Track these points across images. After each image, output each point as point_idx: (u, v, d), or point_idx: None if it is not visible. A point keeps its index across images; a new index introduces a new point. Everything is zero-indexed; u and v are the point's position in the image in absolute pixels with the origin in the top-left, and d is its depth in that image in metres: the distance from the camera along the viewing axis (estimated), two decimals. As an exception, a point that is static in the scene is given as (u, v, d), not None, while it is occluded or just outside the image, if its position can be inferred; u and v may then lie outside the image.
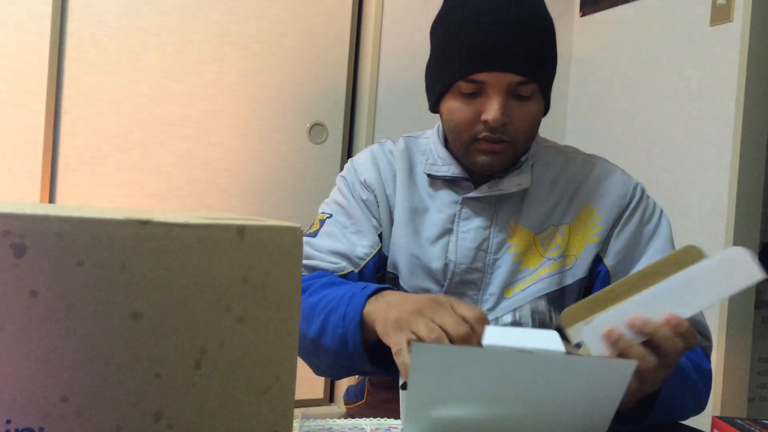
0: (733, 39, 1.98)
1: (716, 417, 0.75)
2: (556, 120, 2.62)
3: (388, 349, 0.81)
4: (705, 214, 2.03)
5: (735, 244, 1.94)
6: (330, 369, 0.94)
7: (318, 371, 0.98)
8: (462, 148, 0.98)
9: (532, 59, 0.92)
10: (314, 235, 1.03)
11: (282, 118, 2.21)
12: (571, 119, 2.62)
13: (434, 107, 1.02)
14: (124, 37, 1.99)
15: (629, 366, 0.62)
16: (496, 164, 0.96)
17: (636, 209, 1.01)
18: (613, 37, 2.43)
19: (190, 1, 2.07)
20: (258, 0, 2.15)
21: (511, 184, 0.98)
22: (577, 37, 2.60)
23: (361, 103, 2.31)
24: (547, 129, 2.50)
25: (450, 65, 0.95)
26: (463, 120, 0.95)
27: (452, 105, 0.97)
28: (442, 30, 0.96)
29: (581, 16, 2.57)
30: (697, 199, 2.07)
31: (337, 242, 1.00)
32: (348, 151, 2.33)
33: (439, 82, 0.97)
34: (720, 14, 2.03)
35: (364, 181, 1.03)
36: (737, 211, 1.95)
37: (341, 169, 2.31)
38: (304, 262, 1.02)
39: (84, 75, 1.95)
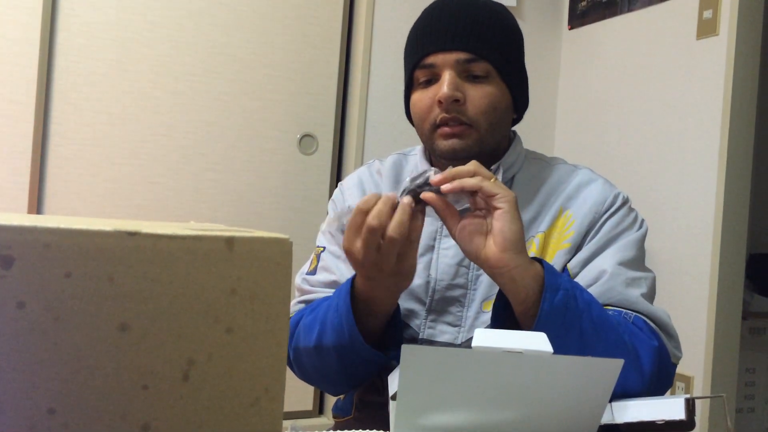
0: (719, 52, 2.01)
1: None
2: (545, 132, 2.63)
3: (385, 338, 0.89)
4: (692, 226, 2.05)
5: (722, 255, 1.96)
6: (338, 375, 0.94)
7: (328, 384, 1.00)
8: (428, 141, 1.00)
9: (478, 37, 0.95)
10: (313, 272, 1.05)
11: (272, 129, 2.21)
12: (560, 131, 2.64)
13: (407, 111, 1.04)
14: (114, 47, 1.99)
15: (617, 364, 0.62)
16: (460, 149, 0.95)
17: (612, 216, 0.97)
18: (601, 50, 2.45)
19: (181, 12, 2.07)
20: (248, 11, 2.16)
21: None
22: (565, 50, 2.62)
23: (351, 114, 2.32)
24: (536, 140, 2.53)
25: (408, 60, 1.01)
26: (423, 108, 0.98)
27: (414, 98, 1.00)
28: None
29: (569, 29, 2.59)
30: (683, 211, 2.08)
31: (331, 274, 1.03)
32: (338, 162, 2.34)
33: (405, 81, 1.02)
34: (706, 28, 2.05)
35: (349, 208, 1.04)
36: (724, 223, 1.96)
37: (331, 179, 2.33)
38: (302, 298, 1.04)
39: (73, 85, 1.95)
